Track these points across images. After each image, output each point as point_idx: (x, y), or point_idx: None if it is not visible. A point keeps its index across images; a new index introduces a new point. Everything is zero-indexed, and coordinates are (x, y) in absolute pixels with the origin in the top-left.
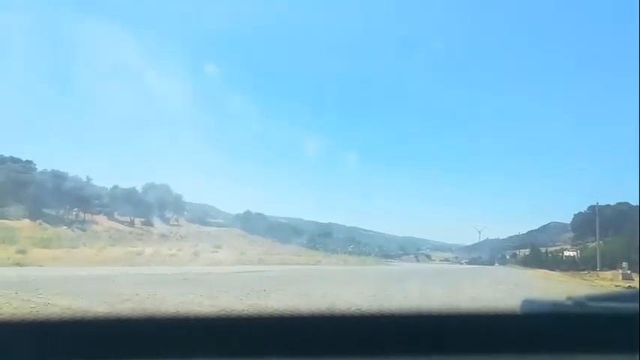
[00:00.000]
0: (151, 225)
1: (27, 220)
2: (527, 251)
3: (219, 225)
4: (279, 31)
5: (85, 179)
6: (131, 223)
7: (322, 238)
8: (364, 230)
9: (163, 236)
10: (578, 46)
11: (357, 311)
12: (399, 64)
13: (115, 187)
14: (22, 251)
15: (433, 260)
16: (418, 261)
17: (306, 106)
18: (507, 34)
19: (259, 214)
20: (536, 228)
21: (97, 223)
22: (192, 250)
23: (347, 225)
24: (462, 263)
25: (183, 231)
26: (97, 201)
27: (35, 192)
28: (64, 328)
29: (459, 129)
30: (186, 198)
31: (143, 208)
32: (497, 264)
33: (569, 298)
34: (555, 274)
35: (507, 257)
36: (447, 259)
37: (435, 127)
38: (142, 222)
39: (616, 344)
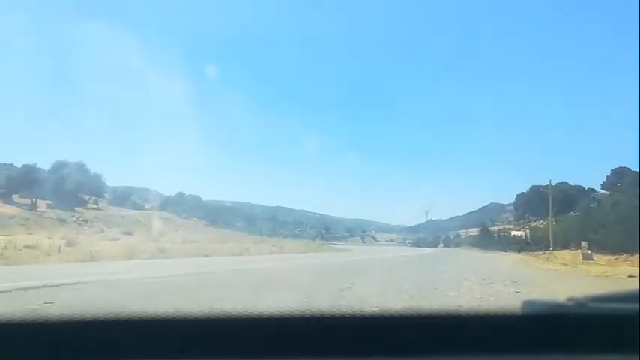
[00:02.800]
0: (60, 209)
1: None
2: (474, 232)
3: (153, 209)
4: (279, 31)
5: None
6: (33, 206)
7: (268, 222)
8: (311, 213)
9: (61, 221)
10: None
11: (358, 311)
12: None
13: (10, 166)
14: None
15: (379, 241)
16: (364, 242)
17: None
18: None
19: (194, 196)
20: (476, 209)
21: None
22: (66, 240)
23: (295, 208)
24: (406, 244)
25: (91, 215)
26: None
27: None
28: (64, 328)
29: (408, 114)
30: (110, 179)
31: (51, 189)
32: (441, 245)
33: (569, 299)
34: (531, 259)
35: (451, 238)
36: (392, 240)
37: (386, 112)
38: (47, 205)
39: (616, 344)
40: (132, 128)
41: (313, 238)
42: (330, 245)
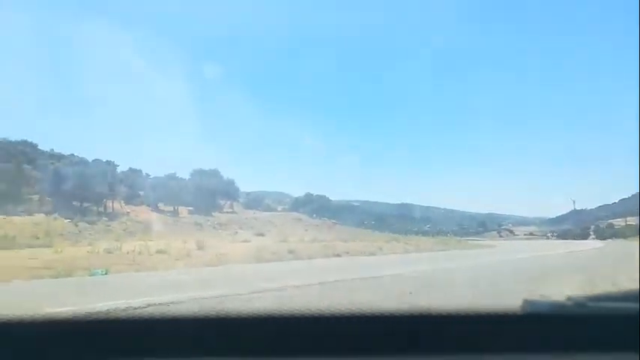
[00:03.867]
0: (201, 214)
1: (42, 215)
2: (633, 220)
3: (285, 211)
4: (280, 31)
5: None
6: (175, 213)
7: (396, 219)
8: (439, 208)
9: (198, 225)
10: None
11: (358, 311)
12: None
13: (147, 176)
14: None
15: (517, 235)
16: (501, 237)
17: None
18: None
19: (321, 196)
20: (628, 196)
21: (130, 214)
22: (205, 242)
23: (423, 204)
24: (550, 237)
25: (226, 218)
26: (129, 190)
27: (53, 183)
28: (66, 328)
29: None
30: (241, 184)
31: (190, 196)
32: (592, 237)
33: (569, 299)
34: None
35: (603, 228)
36: (531, 234)
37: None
38: (188, 211)
39: (616, 344)
40: (259, 137)
41: (445, 235)
42: (468, 242)
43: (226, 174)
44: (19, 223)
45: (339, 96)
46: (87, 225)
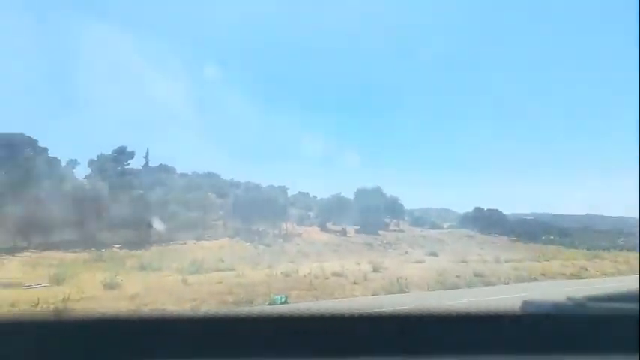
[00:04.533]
0: (368, 233)
1: (225, 239)
2: None
3: (452, 228)
4: (280, 32)
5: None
6: (343, 232)
7: (578, 233)
8: (632, 218)
9: (367, 245)
10: None
11: (358, 312)
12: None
13: (314, 198)
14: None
15: None
16: None
17: None
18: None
19: (493, 210)
20: None
21: (305, 235)
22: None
23: (610, 215)
24: None
25: (393, 237)
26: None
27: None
28: (69, 328)
29: None
30: (404, 201)
31: (356, 215)
32: None
33: (569, 299)
34: None
35: None
36: None
37: None
38: (355, 230)
39: (616, 344)
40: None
41: None
42: None
43: (389, 192)
44: (206, 246)
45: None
46: (264, 247)
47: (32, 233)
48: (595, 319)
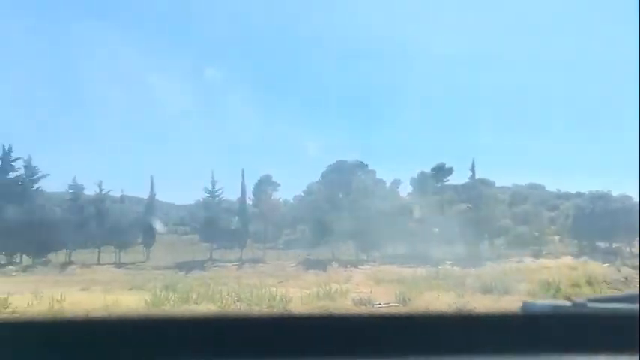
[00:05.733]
0: None
1: (568, 257)
2: None
3: None
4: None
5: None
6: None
7: None
8: None
9: None
10: None
11: (357, 313)
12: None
13: None
14: None
15: None
16: None
17: None
18: None
19: None
20: None
21: None
22: None
23: None
24: None
25: None
26: None
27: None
28: (67, 329)
29: None
30: None
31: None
32: None
33: (569, 299)
34: None
35: None
36: None
37: None
38: None
39: (616, 344)
40: None
41: None
42: None
43: None
44: (548, 265)
45: None
46: (630, 270)
47: (370, 247)
48: (595, 319)
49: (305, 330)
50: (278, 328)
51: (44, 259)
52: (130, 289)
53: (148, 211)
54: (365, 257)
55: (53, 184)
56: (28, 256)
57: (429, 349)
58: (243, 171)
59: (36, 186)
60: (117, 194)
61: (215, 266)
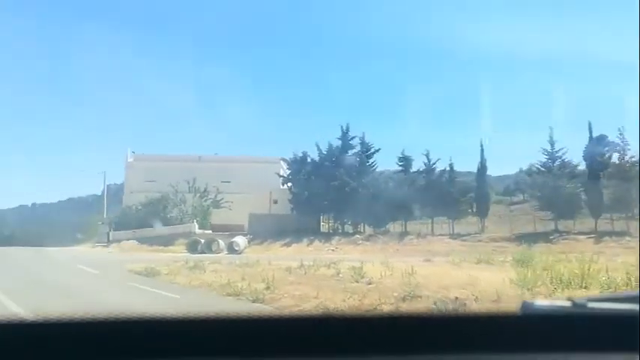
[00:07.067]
0: None
1: None
2: None
3: None
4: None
5: None
6: None
7: None
8: None
9: None
10: None
11: (356, 312)
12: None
13: None
14: None
15: None
16: None
17: None
18: None
19: None
20: None
21: None
22: None
23: None
24: None
25: None
26: None
27: None
28: (66, 329)
29: None
30: None
31: None
32: None
33: (569, 299)
34: None
35: None
36: None
37: None
38: None
39: (616, 344)
40: None
41: None
42: None
43: None
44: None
45: None
46: None
47: None
48: (595, 319)
49: (305, 330)
50: (278, 329)
51: (383, 229)
52: (477, 262)
53: (479, 181)
54: None
55: (384, 159)
56: (369, 226)
57: (429, 349)
58: None
59: (370, 161)
60: (444, 166)
61: (563, 239)
